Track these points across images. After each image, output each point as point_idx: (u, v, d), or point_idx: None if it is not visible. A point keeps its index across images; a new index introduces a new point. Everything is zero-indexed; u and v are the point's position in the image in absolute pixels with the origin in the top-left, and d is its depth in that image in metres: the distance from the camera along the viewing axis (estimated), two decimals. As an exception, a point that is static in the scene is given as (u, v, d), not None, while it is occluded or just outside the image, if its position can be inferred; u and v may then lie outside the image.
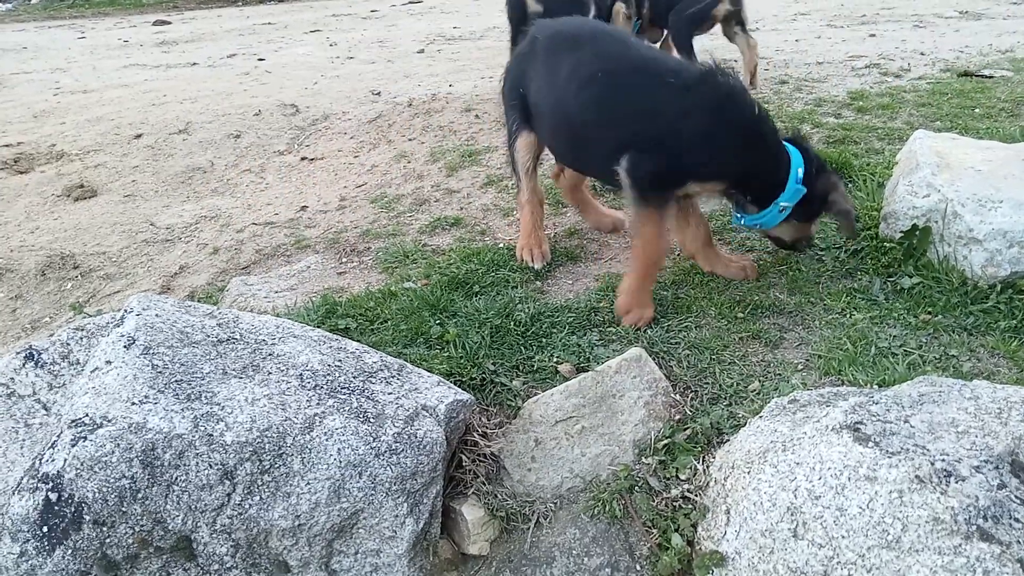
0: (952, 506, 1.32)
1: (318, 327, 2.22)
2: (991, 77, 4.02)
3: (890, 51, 4.98)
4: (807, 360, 2.10)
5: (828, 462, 1.47)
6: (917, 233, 2.41)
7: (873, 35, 5.68)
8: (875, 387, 1.87)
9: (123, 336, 1.77)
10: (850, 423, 1.53)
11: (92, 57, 7.82)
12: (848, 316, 2.27)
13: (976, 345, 2.11)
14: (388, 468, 1.65)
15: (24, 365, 1.89)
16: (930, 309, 2.26)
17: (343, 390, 1.75)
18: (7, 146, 4.35)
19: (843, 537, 1.38)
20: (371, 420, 1.69)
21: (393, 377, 1.84)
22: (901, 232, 2.45)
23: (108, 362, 1.71)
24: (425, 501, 1.71)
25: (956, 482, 1.36)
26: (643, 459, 1.88)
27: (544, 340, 2.20)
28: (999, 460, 1.41)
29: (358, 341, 2.17)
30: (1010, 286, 2.24)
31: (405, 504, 1.67)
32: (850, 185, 2.90)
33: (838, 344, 2.13)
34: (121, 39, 9.19)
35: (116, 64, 7.16)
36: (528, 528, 1.82)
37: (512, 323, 2.24)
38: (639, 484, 1.82)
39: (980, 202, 2.33)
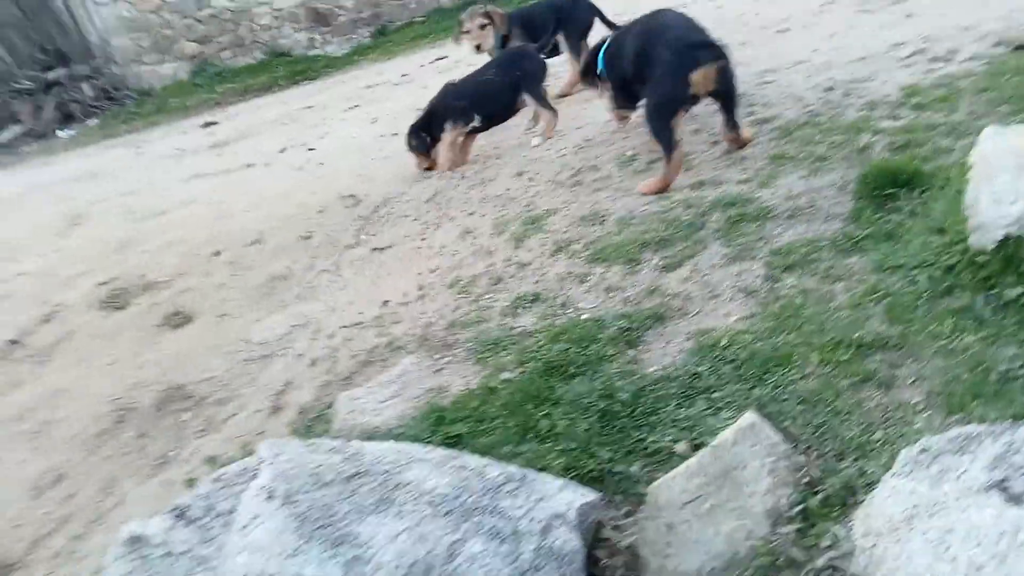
0: (1125, 564, 1.28)
1: (431, 438, 2.30)
2: (1048, 46, 3.90)
3: (933, 31, 4.87)
4: (927, 398, 2.06)
5: (982, 528, 1.44)
6: (1011, 243, 2.35)
7: (910, 15, 5.55)
8: (1010, 422, 1.83)
9: (263, 488, 1.86)
10: (995, 481, 1.50)
11: (154, 173, 8.23)
12: (958, 340, 2.22)
13: (1100, 353, 2.04)
14: (534, 585, 1.70)
15: (175, 524, 2.01)
16: (1042, 320, 2.19)
17: (475, 511, 1.81)
18: (101, 284, 4.62)
19: (1014, 607, 1.35)
20: (508, 539, 1.74)
21: (519, 488, 1.88)
22: (994, 243, 2.39)
23: (255, 517, 1.81)
24: (574, 610, 1.74)
25: (1123, 535, 1.32)
26: (778, 529, 1.87)
27: (652, 418, 2.22)
28: None
29: (472, 447, 2.24)
30: (1123, 282, 2.16)
31: (557, 617, 1.71)
32: (925, 195, 2.84)
33: (955, 375, 2.08)
34: (176, 148, 9.66)
35: (178, 176, 7.52)
36: (677, 617, 1.82)
37: (617, 404, 2.27)
38: (781, 558, 1.81)
39: (1073, 200, 2.26)
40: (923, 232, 2.70)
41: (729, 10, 7.80)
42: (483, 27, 5.93)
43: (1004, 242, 2.37)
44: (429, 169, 5.09)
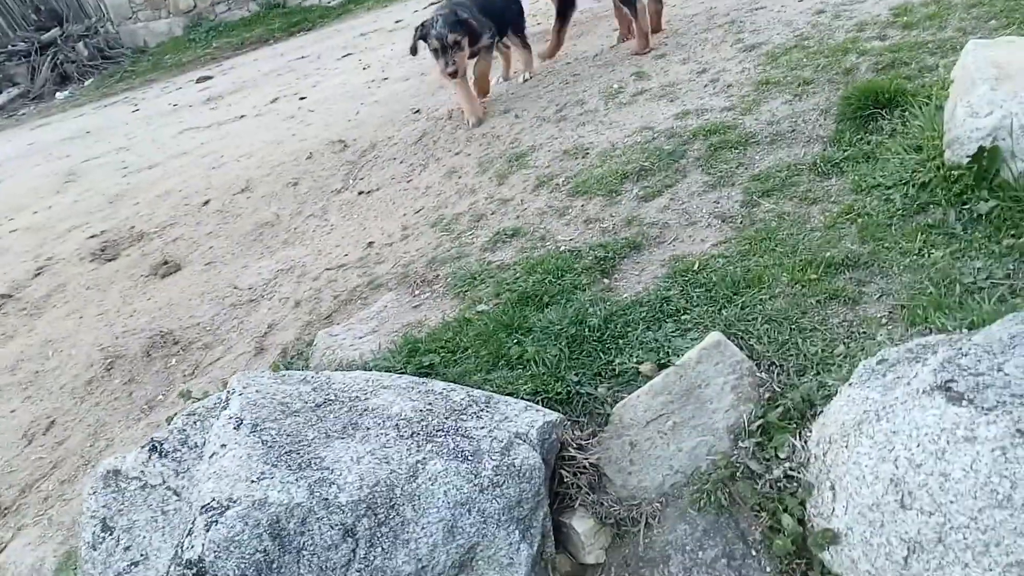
0: (1061, 456, 1.29)
1: (404, 368, 2.33)
2: (1044, -43, 3.75)
3: None
4: (891, 312, 2.06)
5: (924, 428, 1.45)
6: (985, 155, 2.31)
7: None
8: (964, 332, 1.82)
9: (232, 418, 1.90)
10: (941, 383, 1.50)
11: (148, 128, 8.22)
12: (927, 255, 2.21)
13: (1069, 263, 2.02)
14: (494, 501, 1.73)
15: (150, 457, 2.06)
16: (1013, 232, 2.17)
17: (438, 433, 1.84)
18: (93, 236, 4.66)
19: (951, 502, 1.37)
20: (469, 458, 1.77)
21: (482, 410, 1.91)
22: (968, 156, 2.35)
23: (223, 445, 1.85)
24: (535, 524, 1.78)
25: (1062, 429, 1.32)
26: (739, 444, 1.90)
27: (621, 341, 2.23)
28: (1106, 397, 1.37)
29: (444, 375, 2.27)
30: (1097, 192, 2.13)
31: (516, 531, 1.75)
32: (906, 114, 2.79)
33: (920, 289, 2.07)
34: (171, 103, 9.61)
35: (171, 131, 7.50)
36: (639, 530, 1.86)
37: (587, 330, 2.28)
38: (740, 470, 1.84)
39: (1049, 110, 2.21)
40: (901, 151, 2.66)
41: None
42: None
43: (978, 155, 2.33)
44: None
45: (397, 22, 10.15)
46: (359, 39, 9.81)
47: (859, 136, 2.88)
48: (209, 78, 10.82)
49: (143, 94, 11.64)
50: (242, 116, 7.07)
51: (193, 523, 1.72)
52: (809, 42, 3.80)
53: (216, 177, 5.07)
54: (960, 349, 1.60)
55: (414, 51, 4.41)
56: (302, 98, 6.93)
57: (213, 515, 1.69)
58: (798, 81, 3.41)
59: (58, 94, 13.88)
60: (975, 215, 2.28)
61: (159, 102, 10.13)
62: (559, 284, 2.58)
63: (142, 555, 1.92)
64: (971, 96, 2.40)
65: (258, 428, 1.86)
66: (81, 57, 14.44)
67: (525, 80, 4.86)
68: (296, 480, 1.74)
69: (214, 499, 1.73)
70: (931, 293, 2.04)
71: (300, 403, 1.95)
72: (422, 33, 4.24)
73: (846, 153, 2.82)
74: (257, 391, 1.98)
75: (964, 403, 1.43)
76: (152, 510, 1.98)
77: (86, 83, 14.05)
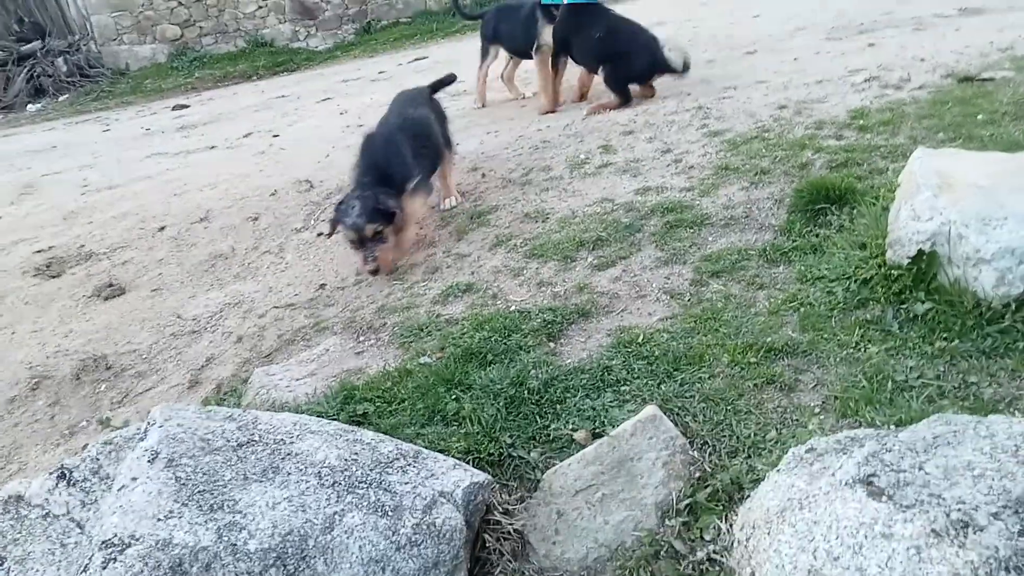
0: (971, 560, 1.30)
1: (337, 415, 2.27)
2: (992, 80, 3.98)
3: (890, 60, 4.97)
4: (824, 402, 2.08)
5: (844, 520, 1.45)
6: (924, 258, 2.39)
7: (872, 44, 5.67)
8: (892, 427, 1.85)
9: (147, 451, 1.83)
10: (863, 476, 1.52)
11: (117, 149, 8.13)
12: (863, 350, 2.26)
13: (996, 369, 2.08)
14: (410, 560, 1.68)
15: (57, 485, 1.96)
16: (946, 335, 2.23)
17: (361, 484, 1.79)
18: (39, 251, 4.53)
19: (865, 599, 1.36)
20: (389, 513, 1.72)
21: (409, 465, 1.87)
22: (908, 258, 2.43)
23: (134, 478, 1.77)
24: (450, 589, 1.72)
25: (974, 532, 1.34)
26: (666, 522, 1.88)
27: (559, 406, 2.22)
28: (1018, 504, 1.39)
29: (376, 426, 2.22)
30: (1025, 304, 2.21)
31: (430, 594, 1.69)
32: (854, 212, 2.89)
33: (854, 382, 2.11)
34: (143, 127, 9.54)
35: (139, 155, 7.43)
36: (557, 604, 1.82)
37: (526, 391, 2.26)
38: (664, 549, 1.82)
39: (984, 221, 2.30)
40: (846, 246, 2.74)
41: (704, 29, 7.92)
42: None
43: (918, 257, 2.41)
44: None
45: (380, 73, 10.32)
46: (340, 85, 9.92)
47: (808, 228, 2.96)
48: (186, 107, 10.80)
49: (117, 115, 11.55)
50: (212, 147, 7.04)
51: (90, 560, 1.63)
52: (769, 134, 3.95)
53: (176, 204, 5.01)
54: (885, 444, 1.62)
55: (331, 235, 3.63)
56: (275, 136, 6.94)
57: (112, 552, 1.61)
58: (756, 170, 3.53)
59: (30, 106, 13.71)
60: (911, 315, 2.35)
61: (132, 124, 10.05)
62: (505, 343, 2.57)
63: (32, 590, 1.80)
64: (915, 200, 2.50)
65: (173, 463, 1.79)
66: (59, 72, 14.33)
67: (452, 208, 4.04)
68: (205, 522, 1.67)
69: (116, 535, 1.64)
70: (864, 387, 2.07)
71: (222, 441, 1.88)
72: (336, 217, 3.45)
73: (795, 243, 2.90)
74: (179, 424, 1.91)
75: (884, 499, 1.44)
76: (51, 542, 1.88)
77: (60, 98, 13.92)
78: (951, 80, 4.23)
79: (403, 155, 3.67)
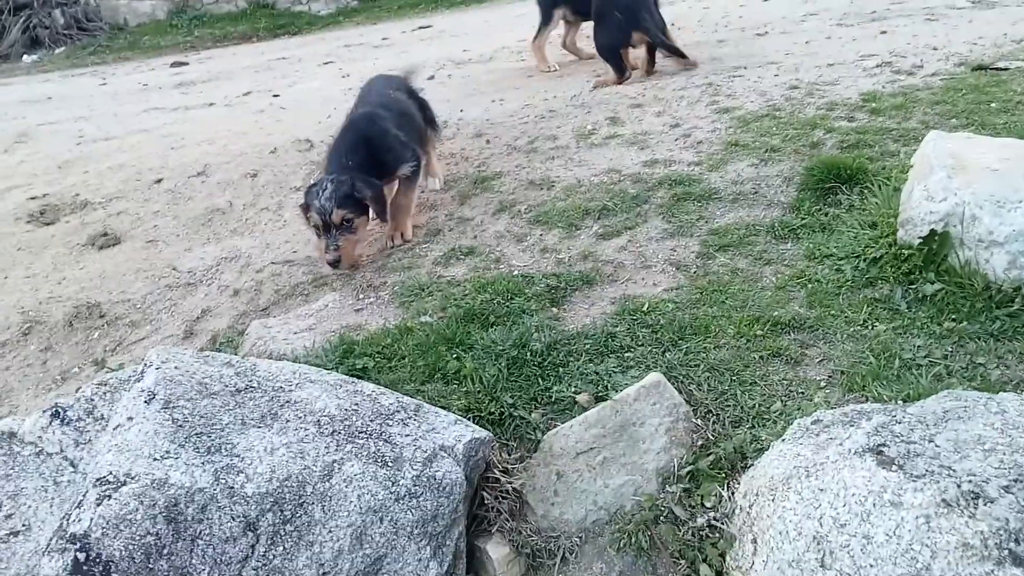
0: (981, 530, 1.28)
1: (336, 368, 2.24)
2: (1006, 69, 3.94)
3: (902, 48, 4.92)
4: (830, 377, 2.07)
5: (852, 488, 1.44)
6: (936, 238, 2.37)
7: (884, 32, 5.61)
8: (899, 403, 1.83)
9: (143, 391, 1.79)
10: (873, 445, 1.50)
11: (113, 103, 8.00)
12: (870, 328, 2.24)
13: (1004, 351, 2.06)
14: (409, 512, 1.66)
15: (51, 423, 1.92)
16: (954, 316, 2.21)
17: (361, 434, 1.76)
18: (33, 198, 4.45)
19: (871, 566, 1.35)
20: (389, 464, 1.70)
21: (410, 418, 1.84)
22: (920, 238, 2.41)
23: (130, 418, 1.74)
24: (448, 543, 1.70)
25: (984, 504, 1.32)
26: (667, 488, 1.86)
27: (561, 370, 2.19)
28: (1029, 478, 1.37)
29: (376, 380, 2.19)
30: (1036, 288, 2.19)
31: (428, 547, 1.67)
32: (865, 191, 2.86)
33: (861, 358, 2.09)
34: (141, 83, 9.39)
35: (136, 109, 7.31)
36: (554, 564, 1.80)
37: (528, 353, 2.24)
38: (664, 514, 1.80)
39: (998, 203, 2.28)
40: (857, 225, 2.71)
41: (715, 10, 7.82)
42: None
43: (929, 237, 2.39)
44: None
45: (384, 39, 10.17)
46: (343, 50, 9.78)
47: (818, 207, 2.93)
48: (184, 64, 10.64)
49: (114, 70, 11.37)
50: (211, 104, 6.93)
51: (84, 496, 1.61)
52: (780, 113, 3.91)
53: (173, 157, 4.92)
54: (894, 417, 1.60)
55: (307, 219, 3.16)
56: (275, 95, 6.83)
57: (107, 489, 1.58)
58: (766, 147, 3.49)
59: (25, 57, 13.47)
60: (920, 295, 2.33)
61: (129, 80, 9.89)
62: (507, 306, 2.54)
63: (24, 525, 1.77)
64: (928, 181, 2.47)
65: (170, 405, 1.76)
66: (56, 24, 14.07)
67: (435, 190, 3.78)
68: (202, 464, 1.64)
69: (111, 472, 1.61)
70: (871, 363, 2.06)
71: (220, 386, 1.85)
72: (305, 200, 3.08)
73: (804, 221, 2.87)
74: (176, 368, 1.87)
75: (894, 468, 1.43)
76: (44, 479, 1.84)
77: (57, 51, 13.68)
78: (964, 68, 4.19)
79: (393, 137, 3.31)
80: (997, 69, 3.99)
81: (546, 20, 5.99)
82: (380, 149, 3.26)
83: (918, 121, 3.51)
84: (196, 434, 1.71)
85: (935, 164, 2.51)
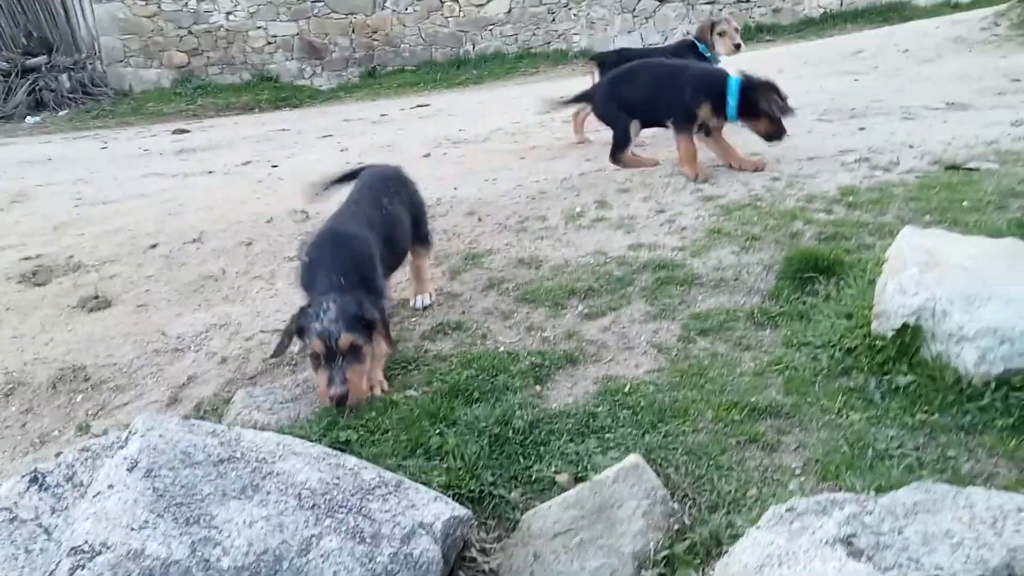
0: (948, 624, 1.30)
1: (320, 440, 2.26)
2: (977, 169, 4.13)
3: (880, 144, 5.13)
4: (805, 464, 2.10)
5: (822, 578, 1.46)
6: (908, 332, 2.45)
7: (863, 128, 5.86)
8: (872, 493, 1.87)
9: (126, 459, 1.81)
10: (844, 536, 1.53)
11: (113, 167, 8.15)
12: (845, 416, 2.29)
13: (974, 445, 2.11)
14: (384, 590, 1.65)
15: (28, 488, 1.92)
16: (926, 408, 2.27)
17: (341, 509, 1.77)
18: (26, 259, 4.50)
19: (841, 658, 1.36)
20: (367, 540, 1.70)
21: (391, 494, 1.85)
22: (893, 330, 2.49)
23: (110, 486, 1.75)
24: (422, 622, 1.70)
25: (951, 598, 1.35)
26: (643, 572, 1.87)
27: (542, 448, 2.22)
28: (994, 574, 1.40)
29: (359, 454, 2.20)
30: (1005, 383, 2.25)
31: (401, 626, 1.66)
32: (842, 282, 2.95)
33: (835, 447, 2.13)
34: (142, 148, 9.59)
35: (136, 173, 7.45)
36: (528, 647, 1.79)
37: (511, 431, 2.27)
38: (639, 599, 1.80)
39: (968, 300, 2.37)
40: (833, 315, 2.79)
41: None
42: (737, 29, 6.17)
43: (902, 330, 2.46)
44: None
45: (382, 115, 10.48)
46: (342, 124, 10.05)
47: (796, 295, 3.02)
48: (186, 131, 10.88)
49: (116, 134, 11.61)
50: (210, 172, 7.08)
51: (57, 566, 1.60)
52: (762, 203, 4.05)
53: (170, 223, 5.01)
54: (865, 507, 1.64)
55: (278, 352, 2.70)
56: (274, 166, 6.99)
57: (81, 559, 1.58)
58: (747, 236, 3.61)
59: (28, 118, 13.75)
60: (894, 386, 2.39)
61: (130, 144, 10.10)
62: (492, 382, 2.58)
63: (-10, 594, 1.75)
64: (902, 276, 2.57)
65: (152, 474, 1.77)
66: (62, 88, 14.42)
67: (425, 307, 3.36)
68: (180, 535, 1.65)
69: (86, 542, 1.61)
70: (845, 452, 2.10)
71: (203, 455, 1.86)
72: (300, 323, 2.59)
73: (782, 309, 2.95)
74: (161, 435, 1.89)
75: (863, 559, 1.45)
76: (15, 547, 1.83)
77: (60, 113, 13.98)
78: (938, 167, 4.37)
79: (373, 265, 2.85)
80: (969, 169, 4.17)
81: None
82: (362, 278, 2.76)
83: (893, 216, 3.65)
84: (176, 504, 1.72)
85: (908, 259, 2.61)
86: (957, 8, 13.54)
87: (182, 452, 1.86)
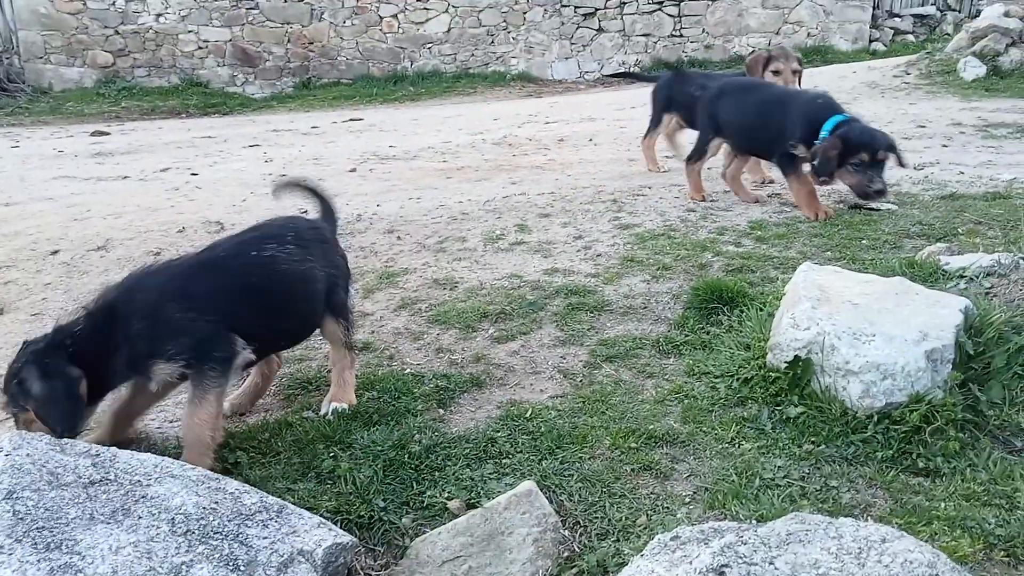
0: (807, 654, 1.33)
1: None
2: (878, 210, 4.34)
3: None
4: (695, 493, 2.14)
5: (693, 607, 1.48)
6: (800, 364, 2.53)
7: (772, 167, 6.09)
8: (753, 522, 1.91)
9: (-14, 480, 1.70)
10: (717, 566, 1.55)
11: (22, 167, 7.78)
12: (737, 446, 2.34)
13: (855, 476, 2.19)
14: (256, 620, 1.60)
15: None
16: (814, 439, 2.35)
17: (216, 535, 1.70)
18: (-87, 260, 4.24)
19: None
20: (241, 568, 1.64)
21: (272, 519, 1.80)
22: (786, 363, 2.57)
23: (-34, 509, 1.64)
24: (296, 654, 1.64)
25: (812, 628, 1.38)
26: (529, 600, 1.86)
27: (437, 474, 2.20)
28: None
29: (247, 476, 2.14)
30: (886, 416, 2.35)
31: (273, 659, 1.60)
32: (743, 314, 3.04)
33: (724, 476, 2.18)
34: (56, 149, 9.18)
35: (46, 175, 7.12)
36: None
37: (407, 456, 2.24)
38: (523, 628, 1.79)
39: (855, 335, 2.47)
40: (733, 346, 2.87)
41: (632, 129, 8.30)
42: (795, 73, 5.40)
43: (794, 363, 2.55)
44: None
45: (313, 127, 10.33)
46: (271, 134, 9.87)
47: (701, 325, 3.10)
48: (105, 134, 10.49)
49: (30, 133, 11.10)
50: (125, 177, 6.83)
51: None
52: (676, 233, 4.15)
53: (75, 229, 4.80)
54: (742, 538, 1.67)
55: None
56: (194, 174, 6.80)
57: (-77, 587, 1.47)
58: (659, 265, 3.68)
59: (-66, 111, 13.01)
60: (785, 417, 2.46)
61: (44, 144, 9.66)
62: (393, 405, 2.54)
63: None
64: (795, 310, 2.66)
65: (13, 496, 1.67)
66: (-27, 82, 13.72)
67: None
68: (38, 561, 1.56)
69: (-69, 568, 1.51)
70: (733, 481, 2.15)
71: (72, 476, 1.77)
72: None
73: (687, 338, 3.02)
74: (28, 455, 1.79)
75: (732, 588, 1.48)
76: None
77: (-30, 108, 13.27)
78: (843, 206, 4.57)
79: (177, 314, 2.22)
80: (871, 209, 4.38)
81: (654, 123, 5.90)
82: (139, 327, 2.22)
83: (797, 251, 3.79)
84: (37, 528, 1.63)
85: (802, 294, 2.71)
86: (875, 55, 14.27)
87: (50, 473, 1.77)
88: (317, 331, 2.63)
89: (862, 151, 4.04)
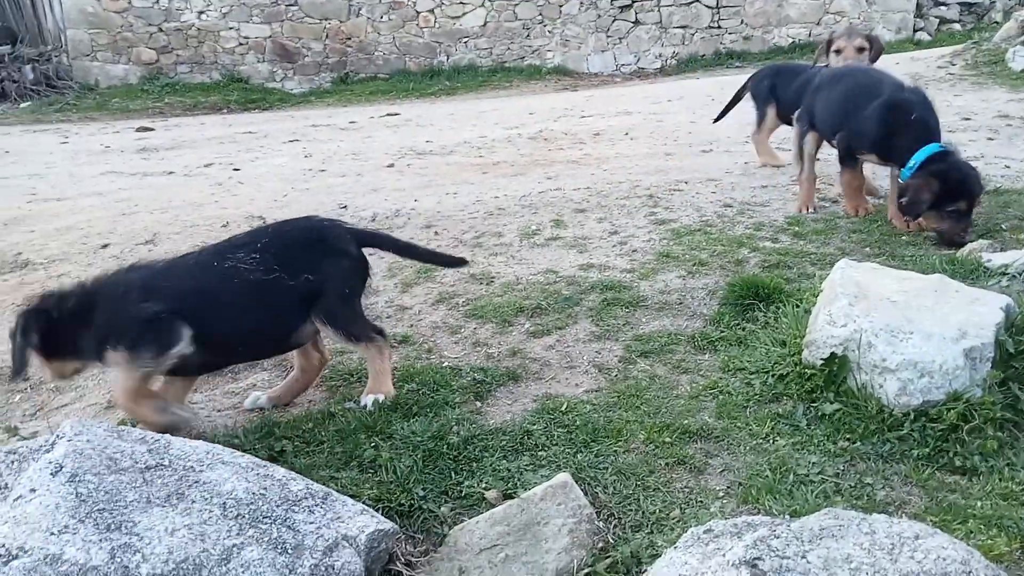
0: (838, 646, 1.36)
1: (255, 448, 2.26)
2: (919, 205, 4.28)
3: (832, 174, 5.28)
4: (728, 487, 2.16)
5: (726, 598, 1.51)
6: (836, 361, 2.53)
7: (818, 159, 6.02)
8: (786, 517, 1.93)
9: (51, 463, 1.80)
10: (749, 558, 1.58)
11: (72, 163, 8.03)
12: (772, 442, 2.36)
13: (891, 473, 2.19)
14: (303, 601, 1.67)
15: (-51, 490, 1.90)
16: (849, 436, 2.35)
17: (265, 519, 1.78)
18: (-28, 254, 4.43)
19: (737, 677, 1.41)
20: (289, 552, 1.72)
21: (317, 505, 1.87)
22: (822, 360, 2.57)
23: (32, 490, 1.74)
24: (340, 634, 1.71)
25: (844, 621, 1.41)
26: (564, 589, 1.91)
27: (475, 464, 2.25)
28: (887, 598, 1.47)
29: (292, 464, 2.22)
30: (923, 414, 2.35)
31: (319, 638, 1.68)
32: (779, 311, 3.04)
33: (758, 471, 2.20)
34: (103, 144, 9.46)
35: (94, 171, 7.35)
36: (447, 661, 1.81)
37: (445, 446, 2.30)
38: (558, 615, 1.84)
39: (892, 333, 2.46)
40: (769, 342, 2.88)
41: (668, 124, 8.27)
42: (860, 50, 5.06)
43: (830, 360, 2.55)
44: None
45: (351, 122, 10.47)
46: (309, 129, 10.02)
47: (736, 321, 3.10)
48: (150, 129, 10.76)
49: (78, 129, 11.42)
50: (171, 172, 7.02)
51: (-29, 568, 1.59)
52: (712, 229, 4.15)
53: (123, 223, 4.96)
54: (775, 531, 1.70)
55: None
56: (236, 169, 6.96)
57: (-4, 562, 1.57)
58: (695, 260, 3.69)
59: (-13, 108, 13.47)
60: (820, 414, 2.47)
61: (92, 140, 9.95)
62: (432, 397, 2.61)
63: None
64: (832, 307, 2.66)
65: (76, 479, 1.76)
66: (25, 79, 14.15)
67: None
68: (100, 541, 1.65)
69: (3, 545, 1.61)
70: (767, 477, 2.17)
71: (130, 462, 1.86)
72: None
73: (722, 334, 3.03)
74: (88, 440, 1.89)
75: (764, 581, 1.51)
76: (-68, 548, 1.81)
77: (22, 105, 13.70)
78: (883, 201, 4.52)
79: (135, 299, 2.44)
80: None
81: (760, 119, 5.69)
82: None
83: (836, 247, 3.77)
84: (99, 510, 1.72)
85: (840, 291, 2.70)
86: (919, 45, 13.96)
87: (108, 458, 1.86)
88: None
89: (962, 200, 3.61)
